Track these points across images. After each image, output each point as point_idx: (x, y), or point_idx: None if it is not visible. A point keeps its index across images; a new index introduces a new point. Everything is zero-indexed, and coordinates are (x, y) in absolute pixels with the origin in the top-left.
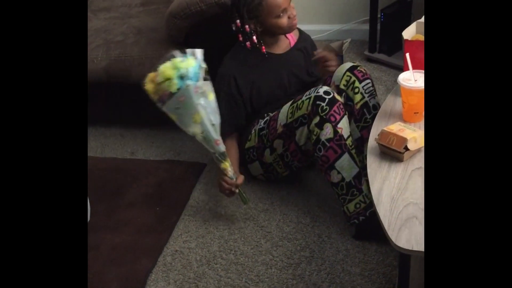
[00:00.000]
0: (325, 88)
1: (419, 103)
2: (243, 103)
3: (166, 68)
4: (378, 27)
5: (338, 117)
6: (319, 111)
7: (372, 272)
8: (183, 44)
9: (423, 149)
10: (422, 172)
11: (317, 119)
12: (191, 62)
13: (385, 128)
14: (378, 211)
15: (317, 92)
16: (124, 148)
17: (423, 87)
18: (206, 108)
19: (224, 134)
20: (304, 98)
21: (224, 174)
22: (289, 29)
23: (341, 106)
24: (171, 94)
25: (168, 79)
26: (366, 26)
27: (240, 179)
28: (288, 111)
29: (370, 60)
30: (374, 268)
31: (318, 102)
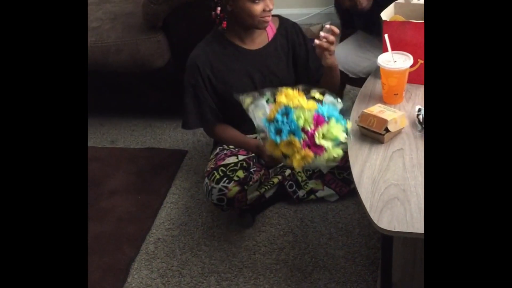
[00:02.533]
0: (215, 193)
1: (399, 84)
2: (209, 95)
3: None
4: None
5: (238, 205)
6: (220, 210)
7: (356, 254)
8: (162, 29)
9: (403, 130)
10: (402, 154)
11: (219, 210)
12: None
13: (365, 110)
14: (359, 193)
15: (212, 199)
16: (103, 136)
17: (403, 68)
18: None
19: (209, 129)
20: (204, 187)
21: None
22: (259, 23)
23: (240, 200)
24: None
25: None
26: None
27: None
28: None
29: None
30: (357, 251)
31: (216, 207)
